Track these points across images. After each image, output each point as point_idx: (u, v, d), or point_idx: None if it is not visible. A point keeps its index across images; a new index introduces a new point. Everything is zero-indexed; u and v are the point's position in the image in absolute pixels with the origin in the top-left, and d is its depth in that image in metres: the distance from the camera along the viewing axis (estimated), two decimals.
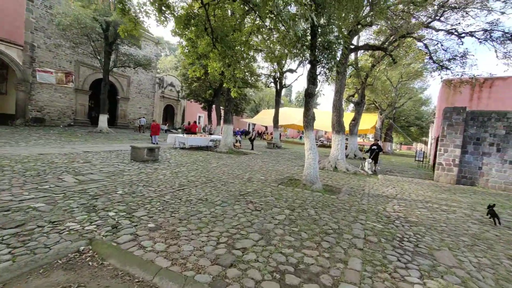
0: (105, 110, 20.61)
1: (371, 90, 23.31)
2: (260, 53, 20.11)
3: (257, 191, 5.89)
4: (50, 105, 21.46)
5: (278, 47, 7.93)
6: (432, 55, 10.50)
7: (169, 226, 3.45)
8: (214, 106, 25.87)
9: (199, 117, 40.60)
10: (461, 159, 9.84)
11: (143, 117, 29.56)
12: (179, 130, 26.93)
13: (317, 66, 6.46)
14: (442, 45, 10.26)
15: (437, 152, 10.33)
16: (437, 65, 10.54)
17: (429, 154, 23.34)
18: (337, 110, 11.88)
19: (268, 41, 7.68)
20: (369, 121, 29.32)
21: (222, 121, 16.00)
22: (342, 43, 5.84)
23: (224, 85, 8.50)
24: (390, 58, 17.44)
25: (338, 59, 6.11)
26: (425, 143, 54.65)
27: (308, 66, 6.58)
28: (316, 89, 6.81)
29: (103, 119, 20.52)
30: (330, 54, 5.76)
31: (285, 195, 5.79)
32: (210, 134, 22.74)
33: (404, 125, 39.69)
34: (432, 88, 67.60)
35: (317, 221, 4.21)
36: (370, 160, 11.35)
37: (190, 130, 23.46)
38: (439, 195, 7.45)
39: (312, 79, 6.57)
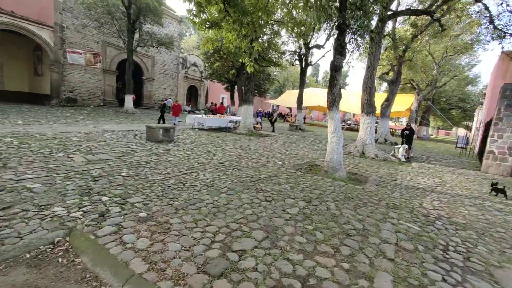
0: (130, 90, 20.96)
1: (409, 67, 20.79)
2: (282, 27, 18.70)
3: (271, 178, 5.30)
4: (81, 85, 22.37)
5: (301, 12, 6.87)
6: (493, 18, 8.56)
7: (161, 217, 3.03)
8: (236, 86, 25.18)
9: (222, 98, 40.26)
10: None
11: (169, 98, 29.93)
12: (202, 111, 26.84)
13: (347, 33, 5.41)
14: (508, 5, 8.28)
15: (489, 138, 8.77)
16: (499, 31, 8.63)
17: (473, 141, 20.74)
18: (368, 89, 10.56)
19: (290, 5, 6.65)
20: (404, 102, 26.64)
21: (242, 101, 15.36)
22: (379, 1, 4.72)
23: (240, 59, 7.75)
24: (437, 26, 15.07)
25: (373, 23, 5.01)
26: (468, 128, 49.31)
27: (336, 32, 5.55)
28: (345, 61, 5.81)
29: (129, 99, 20.95)
30: (363, 16, 4.70)
31: (302, 183, 5.13)
32: (233, 115, 22.32)
33: (445, 107, 35.67)
34: (482, 64, 59.44)
35: (337, 217, 3.54)
36: (404, 145, 10.09)
37: (217, 111, 23.19)
38: (485, 189, 6.25)
39: (339, 48, 5.56)
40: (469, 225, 3.78)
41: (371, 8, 4.58)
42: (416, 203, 4.62)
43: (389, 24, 12.97)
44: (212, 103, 25.07)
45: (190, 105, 33.60)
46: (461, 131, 56.26)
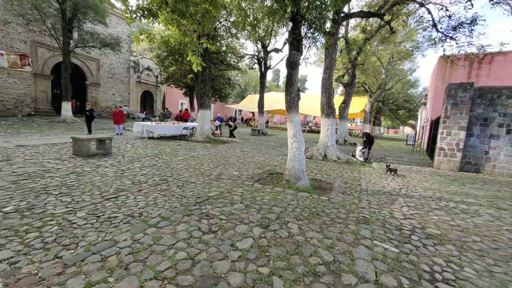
0: (68, 97, 18.20)
1: (362, 71, 21.89)
2: (238, 30, 18.14)
3: (223, 195, 4.38)
4: (4, 92, 18.81)
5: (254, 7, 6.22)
6: (436, 22, 9.02)
7: None
8: (195, 91, 23.81)
9: (181, 103, 38.22)
10: (465, 143, 8.69)
11: (125, 106, 27.10)
12: (157, 117, 24.72)
13: (302, 25, 4.83)
14: (447, 10, 8.78)
15: (438, 136, 9.12)
16: (441, 34, 9.12)
17: (418, 138, 22.50)
18: (327, 90, 10.37)
19: None
20: (359, 104, 28.19)
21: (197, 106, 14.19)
22: None
23: (188, 57, 6.75)
24: (385, 32, 15.94)
25: (330, 14, 4.50)
26: (413, 126, 54.84)
27: (290, 25, 4.94)
28: (301, 57, 5.22)
29: (67, 107, 18.17)
30: (319, 4, 4.14)
31: (260, 199, 4.31)
32: (192, 121, 20.86)
33: (393, 108, 39.05)
34: (421, 69, 67.20)
35: (302, 247, 2.77)
36: (361, 147, 10.07)
37: (182, 117, 21.32)
38: (448, 188, 6.23)
39: (295, 42, 4.95)
40: (445, 237, 3.34)
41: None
42: (386, 212, 4.14)
43: (342, 29, 13.20)
44: (166, 109, 23.19)
45: (145, 112, 31.00)
46: (407, 129, 62.39)
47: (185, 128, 12.26)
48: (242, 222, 3.31)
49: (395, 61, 26.64)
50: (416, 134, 20.81)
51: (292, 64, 5.13)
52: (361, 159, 9.74)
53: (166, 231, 2.89)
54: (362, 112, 28.82)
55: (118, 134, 11.80)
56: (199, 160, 7.56)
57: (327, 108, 10.39)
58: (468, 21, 8.53)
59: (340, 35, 11.84)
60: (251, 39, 20.35)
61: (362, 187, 5.76)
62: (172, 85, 27.29)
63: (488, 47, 8.56)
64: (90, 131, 10.89)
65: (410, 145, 19.46)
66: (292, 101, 5.46)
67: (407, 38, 23.58)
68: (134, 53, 39.41)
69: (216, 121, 16.46)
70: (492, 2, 7.71)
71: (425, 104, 21.70)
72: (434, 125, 12.57)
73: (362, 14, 9.57)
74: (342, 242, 2.96)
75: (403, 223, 3.71)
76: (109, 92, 27.00)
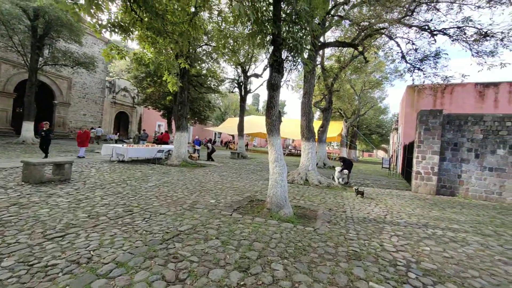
0: (31, 116, 16.75)
1: (337, 97, 22.94)
2: (217, 53, 18.39)
3: (196, 229, 3.81)
4: None
5: (232, 28, 6.23)
6: (404, 54, 9.72)
7: None
8: (173, 113, 23.23)
9: (159, 125, 37.10)
10: (440, 167, 8.95)
11: (99, 127, 25.56)
12: (131, 139, 23.44)
13: (283, 48, 4.75)
14: (413, 44, 9.53)
15: (414, 160, 9.35)
16: (409, 65, 9.78)
17: (392, 162, 23.35)
18: (306, 114, 10.43)
19: (218, 17, 5.85)
20: (335, 129, 29.24)
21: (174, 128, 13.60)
22: (315, 13, 4.23)
23: (164, 77, 6.39)
24: (357, 62, 17.01)
25: (309, 37, 4.47)
26: (385, 150, 57.75)
27: (271, 48, 4.84)
28: (283, 80, 5.09)
29: (28, 127, 16.62)
30: (300, 27, 4.09)
31: (239, 233, 3.80)
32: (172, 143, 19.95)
33: (367, 132, 41.17)
34: (390, 98, 72.76)
35: None
36: (339, 168, 10.03)
37: (161, 140, 20.27)
38: (430, 213, 6.14)
39: (276, 64, 4.83)
40: (442, 272, 3.04)
41: (307, 16, 3.98)
42: (376, 243, 3.81)
43: (319, 58, 13.85)
44: (143, 130, 22.17)
45: (118, 134, 29.46)
46: (380, 153, 65.53)
47: (159, 151, 11.52)
48: (218, 264, 2.78)
49: (367, 89, 28.51)
50: (390, 158, 21.62)
51: (273, 86, 4.96)
52: (342, 182, 9.62)
53: (118, 284, 2.28)
54: (339, 136, 29.80)
55: (80, 157, 10.74)
56: (172, 186, 6.90)
57: (307, 132, 10.38)
58: (432, 55, 9.28)
59: (317, 63, 12.35)
60: (231, 63, 20.73)
61: (347, 214, 5.47)
62: (149, 107, 26.49)
63: (451, 78, 9.23)
64: (46, 154, 9.75)
65: (386, 168, 20.11)
66: (273, 124, 5.22)
67: (376, 69, 25.52)
68: (110, 74, 38.47)
69: (195, 145, 15.87)
70: (451, 39, 8.49)
71: (396, 129, 22.91)
72: (408, 149, 13.06)
73: (338, 44, 10.08)
74: (335, 286, 2.53)
75: (396, 256, 3.39)
76: (80, 112, 25.48)
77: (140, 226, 3.76)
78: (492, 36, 8.02)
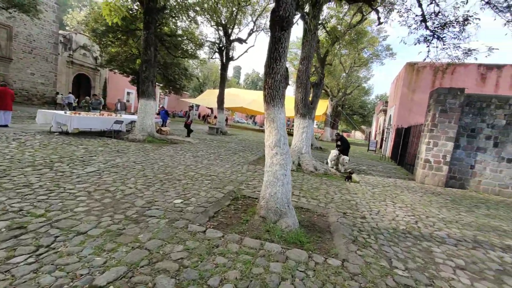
0: None
1: (328, 72, 21.18)
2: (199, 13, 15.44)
3: (136, 274, 1.97)
4: None
5: None
6: (426, 16, 8.01)
7: None
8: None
9: (128, 93, 33.07)
10: (452, 156, 7.77)
11: (70, 92, 21.64)
12: (85, 106, 19.87)
13: None
14: (437, 5, 7.81)
15: (423, 146, 8.08)
16: (429, 31, 8.13)
17: (377, 144, 22.73)
18: (303, 85, 8.59)
19: None
20: (320, 107, 27.79)
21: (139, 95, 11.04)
22: None
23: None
24: (357, 30, 15.09)
25: None
26: (363, 131, 58.58)
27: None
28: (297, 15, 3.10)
29: None
30: None
31: (217, 276, 2.04)
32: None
33: (349, 113, 40.76)
34: (374, 78, 72.79)
35: None
36: (335, 152, 8.61)
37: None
38: (464, 218, 4.87)
39: None
40: None
41: None
42: (439, 285, 2.29)
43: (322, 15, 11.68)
44: (94, 95, 18.81)
45: (76, 100, 25.46)
46: (358, 134, 66.69)
47: (117, 121, 9.10)
48: None
49: (356, 67, 27.10)
50: (377, 140, 20.91)
51: (283, 22, 2.96)
52: (342, 170, 8.20)
53: None
54: (324, 115, 28.63)
55: (1, 126, 8.06)
56: (123, 173, 4.86)
57: (303, 107, 8.61)
58: (460, 20, 7.63)
59: (320, 21, 10.26)
60: (212, 22, 17.76)
61: (369, 222, 3.94)
62: (115, 70, 22.81)
63: (475, 52, 7.74)
64: None
65: (372, 151, 19.38)
66: (276, 87, 3.31)
67: (369, 45, 23.89)
68: (67, 28, 32.78)
69: (161, 114, 13.44)
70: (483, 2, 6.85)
71: (385, 111, 21.99)
72: (405, 133, 11.93)
73: None
74: None
75: None
76: (26, 71, 21.12)
77: (22, 271, 1.83)
78: None
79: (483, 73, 13.64)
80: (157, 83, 29.62)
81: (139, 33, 16.88)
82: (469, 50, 8.04)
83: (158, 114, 13.51)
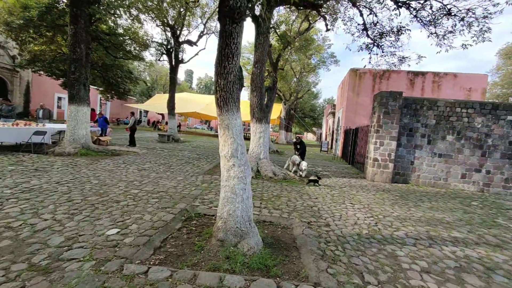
0: None
1: (280, 76, 21.73)
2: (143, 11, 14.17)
3: None
4: None
5: None
6: (367, 25, 8.63)
7: None
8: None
9: (59, 98, 28.62)
10: (396, 153, 8.45)
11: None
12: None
13: None
14: (376, 16, 8.49)
15: (371, 146, 8.62)
16: (370, 39, 8.78)
17: (328, 145, 24.15)
18: (258, 89, 8.37)
19: None
20: (275, 111, 28.49)
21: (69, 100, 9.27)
22: None
23: None
24: (303, 40, 15.73)
25: None
26: (314, 133, 62.32)
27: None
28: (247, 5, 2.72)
29: None
30: None
31: None
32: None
33: (301, 116, 42.97)
34: (321, 83, 78.29)
35: None
36: (298, 158, 8.61)
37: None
38: (414, 213, 5.15)
39: None
40: None
41: None
42: None
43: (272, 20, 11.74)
44: (1, 99, 15.59)
45: None
46: (310, 135, 70.70)
47: (38, 132, 7.44)
48: None
49: (305, 73, 28.62)
50: (328, 141, 22.15)
51: (234, 13, 2.55)
52: (303, 175, 8.13)
53: None
54: (278, 119, 29.36)
55: None
56: (38, 199, 3.78)
57: (259, 111, 8.38)
58: (395, 30, 8.43)
59: (271, 25, 10.26)
60: (158, 21, 16.52)
61: (334, 229, 3.77)
62: (41, 72, 19.45)
63: (407, 60, 8.64)
64: None
65: (324, 152, 20.44)
66: (230, 90, 2.87)
67: (316, 52, 25.39)
68: None
69: (99, 123, 11.78)
70: (412, 15, 7.71)
71: (333, 113, 23.53)
72: (354, 134, 12.75)
73: (297, 3, 8.15)
74: None
75: None
76: None
77: None
78: (455, 15, 7.52)
79: (411, 78, 15.58)
80: (96, 87, 26.33)
81: (68, 29, 14.63)
82: (403, 57, 8.87)
83: (95, 122, 11.75)
